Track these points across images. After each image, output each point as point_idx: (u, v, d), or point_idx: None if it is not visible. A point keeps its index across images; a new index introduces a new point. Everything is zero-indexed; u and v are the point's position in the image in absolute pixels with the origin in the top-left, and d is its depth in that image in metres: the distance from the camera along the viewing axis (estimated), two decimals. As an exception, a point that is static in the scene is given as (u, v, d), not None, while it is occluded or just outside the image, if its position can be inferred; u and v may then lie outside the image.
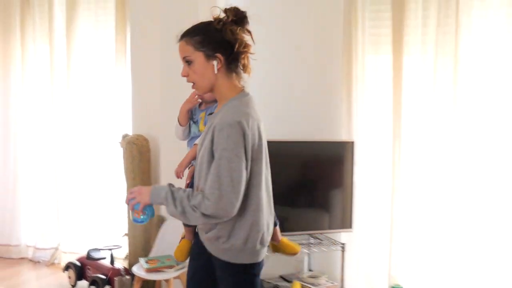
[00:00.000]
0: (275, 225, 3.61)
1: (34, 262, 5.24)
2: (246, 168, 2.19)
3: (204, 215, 2.17)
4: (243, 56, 2.30)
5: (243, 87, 2.35)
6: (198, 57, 2.26)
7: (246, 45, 2.30)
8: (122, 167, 4.45)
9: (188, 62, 2.29)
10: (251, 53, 2.32)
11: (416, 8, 3.91)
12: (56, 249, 5.18)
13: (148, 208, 2.31)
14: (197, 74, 2.29)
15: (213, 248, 2.33)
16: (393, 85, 4.02)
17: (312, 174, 4.14)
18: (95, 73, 4.96)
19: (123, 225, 4.58)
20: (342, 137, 4.20)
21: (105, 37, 4.88)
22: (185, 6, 4.17)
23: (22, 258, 5.33)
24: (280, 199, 4.20)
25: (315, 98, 4.28)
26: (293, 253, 2.98)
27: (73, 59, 4.93)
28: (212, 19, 2.28)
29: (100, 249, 4.53)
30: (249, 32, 2.32)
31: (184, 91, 4.15)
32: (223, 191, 2.14)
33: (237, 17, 2.28)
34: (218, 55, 2.26)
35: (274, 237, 3.66)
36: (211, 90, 2.33)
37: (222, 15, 2.28)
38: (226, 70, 2.29)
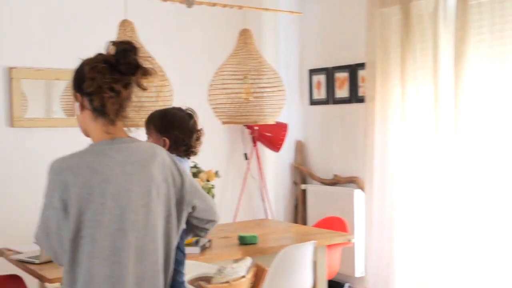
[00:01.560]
0: None
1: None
2: (67, 224, 1.91)
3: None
4: (93, 97, 1.95)
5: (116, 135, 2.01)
6: (72, 96, 2.07)
7: (100, 87, 1.93)
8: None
9: None
10: (108, 96, 1.94)
11: None
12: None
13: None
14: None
15: None
16: None
17: None
18: (489, 112, 4.38)
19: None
20: None
21: (503, 70, 4.29)
22: None
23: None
24: None
25: None
26: None
27: (462, 98, 4.45)
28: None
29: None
30: (135, 70, 1.97)
31: None
32: (38, 235, 1.99)
33: (116, 52, 1.96)
34: (78, 95, 2.02)
35: None
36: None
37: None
38: (91, 112, 2.01)
